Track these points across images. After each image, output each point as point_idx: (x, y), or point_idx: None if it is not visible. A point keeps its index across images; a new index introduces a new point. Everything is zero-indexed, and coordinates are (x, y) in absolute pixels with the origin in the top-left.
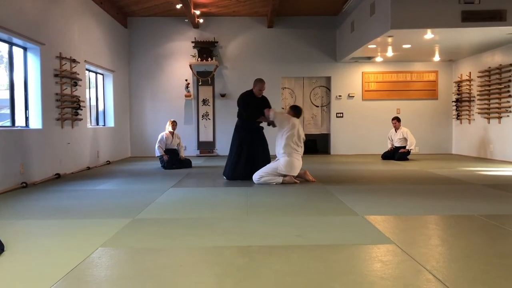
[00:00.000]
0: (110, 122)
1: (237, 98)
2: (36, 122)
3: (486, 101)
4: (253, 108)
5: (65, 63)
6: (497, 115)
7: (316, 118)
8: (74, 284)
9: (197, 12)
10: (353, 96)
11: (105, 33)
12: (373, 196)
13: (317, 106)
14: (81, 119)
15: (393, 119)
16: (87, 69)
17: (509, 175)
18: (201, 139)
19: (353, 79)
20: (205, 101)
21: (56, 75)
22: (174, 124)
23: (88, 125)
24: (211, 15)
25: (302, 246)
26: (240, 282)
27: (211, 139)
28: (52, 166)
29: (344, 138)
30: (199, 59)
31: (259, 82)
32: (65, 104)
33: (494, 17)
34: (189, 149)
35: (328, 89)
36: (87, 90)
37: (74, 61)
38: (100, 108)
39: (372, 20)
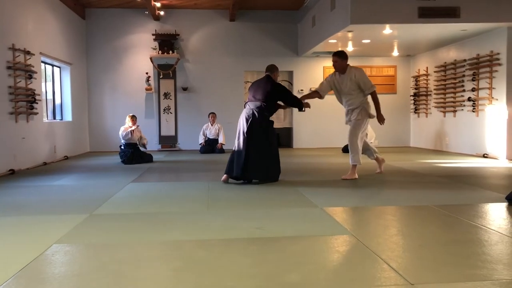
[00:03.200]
0: (68, 116)
1: (200, 92)
2: None
3: (442, 95)
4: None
5: (19, 55)
6: (452, 109)
7: (279, 112)
8: (25, 282)
9: (158, 4)
10: None
11: (61, 25)
12: (332, 188)
13: None
14: (36, 113)
15: None
16: (42, 62)
17: (463, 167)
18: (162, 134)
19: (315, 74)
20: (166, 95)
21: (9, 67)
22: (133, 119)
23: (45, 119)
24: (172, 7)
25: (262, 238)
26: (199, 275)
27: (173, 133)
28: (6, 161)
29: (306, 132)
30: (160, 52)
31: (277, 68)
32: (19, 98)
33: (448, 13)
34: (150, 144)
35: (291, 83)
36: (43, 83)
37: (28, 53)
38: (57, 101)
39: (333, 15)
